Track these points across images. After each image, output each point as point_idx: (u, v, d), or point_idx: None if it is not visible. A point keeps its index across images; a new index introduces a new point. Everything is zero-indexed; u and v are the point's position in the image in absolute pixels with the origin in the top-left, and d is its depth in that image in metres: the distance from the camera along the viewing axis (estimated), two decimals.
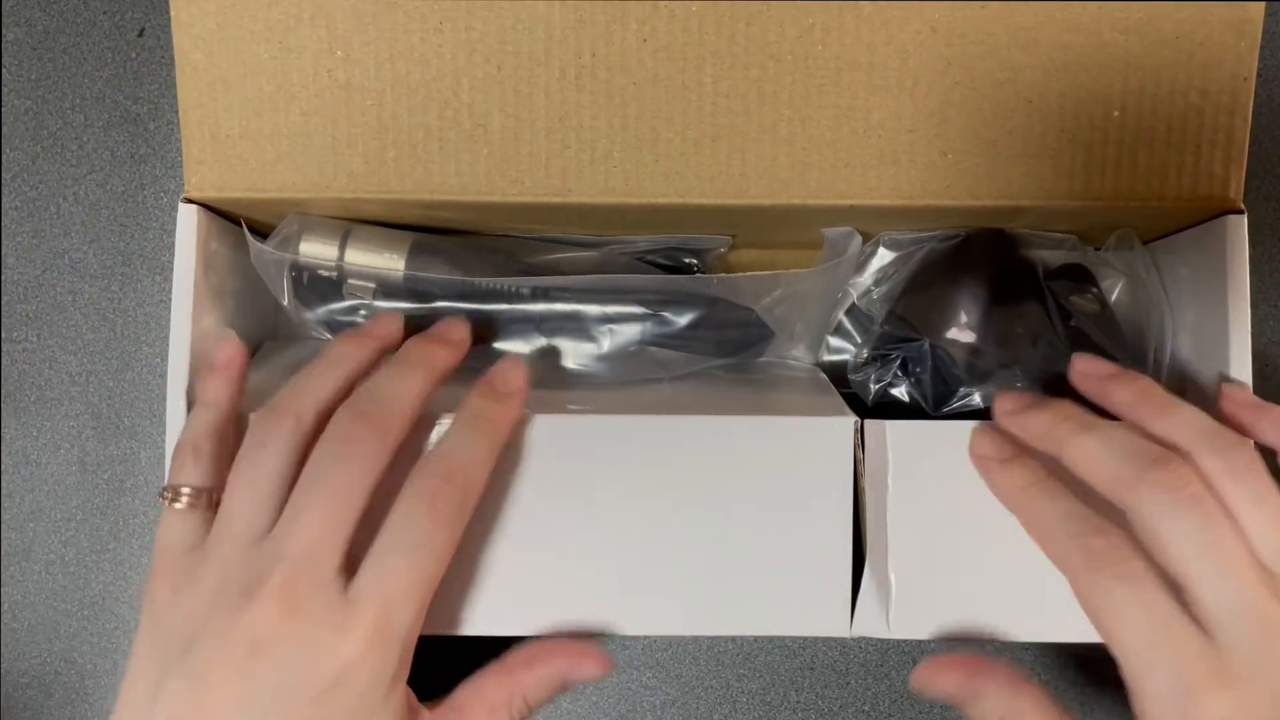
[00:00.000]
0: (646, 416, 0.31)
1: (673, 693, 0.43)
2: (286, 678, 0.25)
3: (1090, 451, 0.26)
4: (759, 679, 0.43)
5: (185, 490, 0.28)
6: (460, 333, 0.32)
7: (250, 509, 0.27)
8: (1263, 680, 0.22)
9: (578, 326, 0.37)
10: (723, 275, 0.36)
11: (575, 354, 0.37)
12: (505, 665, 0.29)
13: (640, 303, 0.36)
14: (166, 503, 0.28)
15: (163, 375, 0.44)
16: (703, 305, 0.36)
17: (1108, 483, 0.26)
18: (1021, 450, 0.29)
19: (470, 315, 0.36)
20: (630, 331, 0.37)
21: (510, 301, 0.36)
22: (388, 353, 0.31)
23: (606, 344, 0.37)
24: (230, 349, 0.30)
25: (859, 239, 0.36)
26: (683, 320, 0.37)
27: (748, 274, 0.36)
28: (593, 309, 0.36)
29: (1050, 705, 0.26)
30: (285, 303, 0.36)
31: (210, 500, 0.28)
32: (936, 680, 0.27)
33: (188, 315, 0.33)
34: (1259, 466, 0.25)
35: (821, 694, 0.43)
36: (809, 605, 0.30)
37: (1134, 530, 0.25)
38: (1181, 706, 0.22)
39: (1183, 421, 0.26)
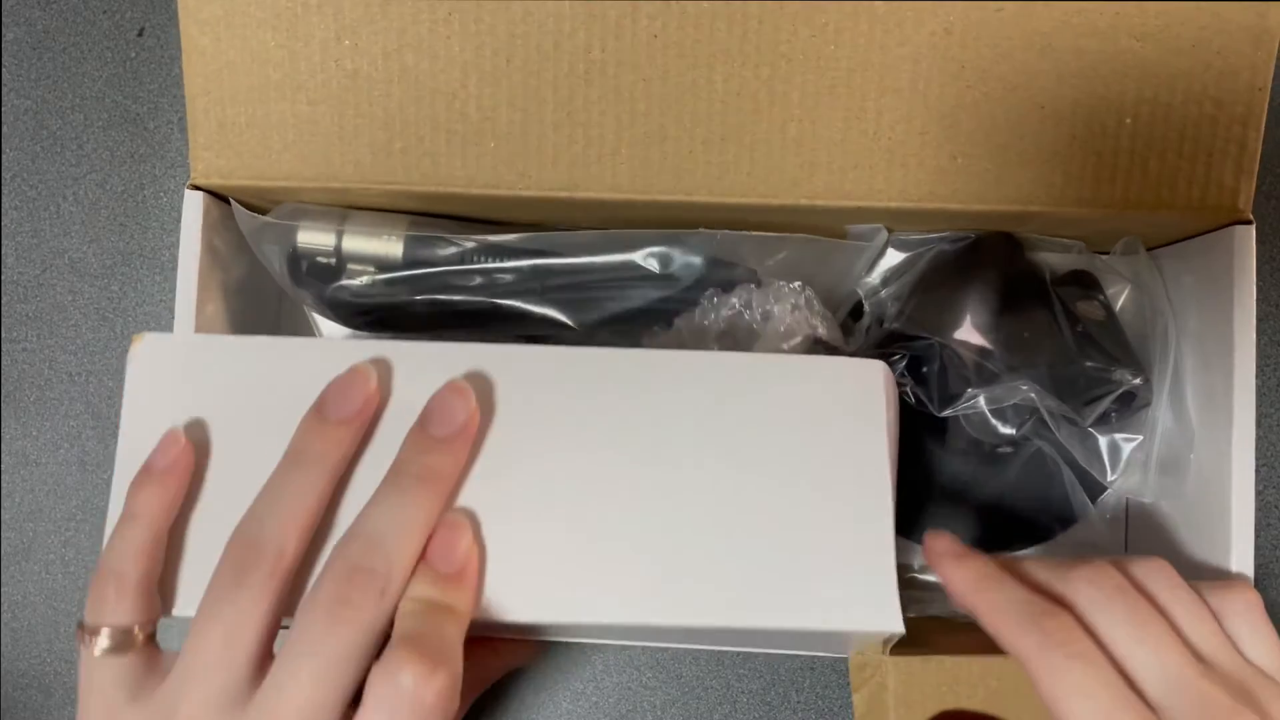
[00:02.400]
0: (646, 351, 0.27)
1: (673, 693, 0.43)
2: None
3: (1023, 566, 0.28)
4: (759, 679, 0.43)
5: (105, 630, 0.24)
6: (463, 418, 0.25)
7: (224, 665, 0.23)
8: None
9: (582, 296, 0.36)
10: (726, 231, 0.35)
11: (578, 318, 0.37)
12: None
13: (643, 260, 0.36)
14: (85, 645, 0.24)
15: None
16: (703, 267, 0.36)
17: (1045, 582, 0.27)
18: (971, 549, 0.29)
19: (472, 283, 0.36)
20: (633, 293, 0.36)
21: (515, 260, 0.36)
22: (371, 416, 0.26)
23: (610, 306, 0.36)
24: (174, 451, 0.25)
25: (885, 233, 0.36)
26: (685, 281, 0.36)
27: (753, 233, 0.35)
28: (596, 266, 0.36)
29: None
30: (277, 270, 0.35)
31: (144, 639, 0.24)
32: None
33: (192, 303, 0.33)
34: (1168, 570, 0.27)
35: (821, 694, 0.43)
36: (845, 585, 0.26)
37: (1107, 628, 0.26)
38: None
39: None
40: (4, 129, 0.45)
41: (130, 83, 0.45)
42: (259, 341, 0.27)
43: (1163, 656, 0.25)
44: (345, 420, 0.25)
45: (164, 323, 0.44)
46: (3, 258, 0.45)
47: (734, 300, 0.35)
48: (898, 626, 0.26)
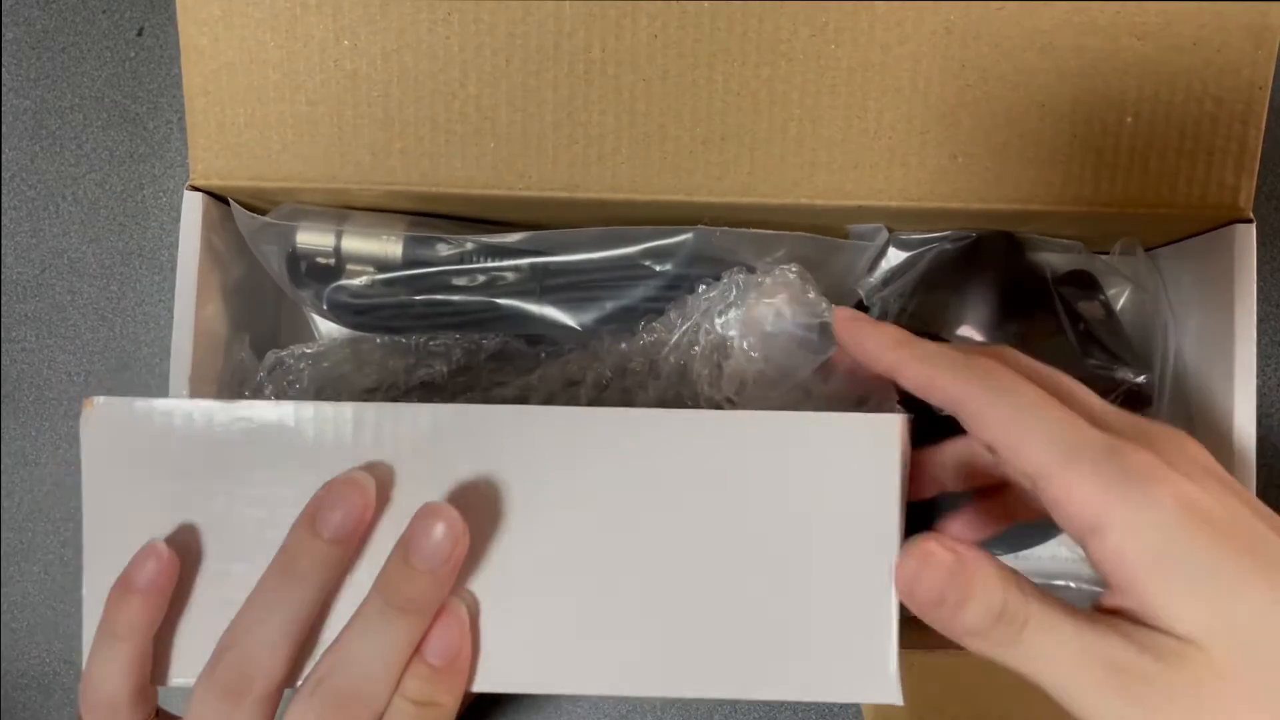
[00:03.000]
0: (650, 411, 0.25)
1: None
2: None
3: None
4: None
5: None
6: (446, 550, 0.24)
7: None
8: (1164, 444, 0.22)
9: (580, 295, 0.36)
10: (725, 229, 0.35)
11: (578, 318, 0.36)
12: None
13: (640, 256, 0.35)
14: None
15: (162, 375, 0.44)
16: (702, 264, 0.35)
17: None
18: None
19: (471, 283, 0.36)
20: (630, 291, 0.36)
21: (514, 259, 0.35)
22: (367, 529, 0.25)
23: (609, 305, 0.36)
24: (155, 565, 0.24)
25: (885, 233, 0.36)
26: (682, 273, 0.35)
27: (752, 230, 0.35)
28: (594, 264, 0.36)
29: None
30: (276, 270, 0.35)
31: None
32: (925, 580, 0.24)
33: (191, 304, 0.33)
34: None
35: None
36: (844, 652, 0.25)
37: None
38: (1122, 470, 0.21)
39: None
40: (4, 129, 0.45)
41: (130, 82, 0.45)
42: (219, 406, 0.25)
43: (1091, 395, 0.24)
44: (338, 539, 0.24)
45: (163, 323, 0.44)
46: (2, 258, 0.45)
47: (724, 280, 0.35)
48: (897, 700, 0.25)
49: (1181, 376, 0.37)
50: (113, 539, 0.25)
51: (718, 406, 0.35)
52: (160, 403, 0.25)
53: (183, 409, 0.25)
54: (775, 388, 0.34)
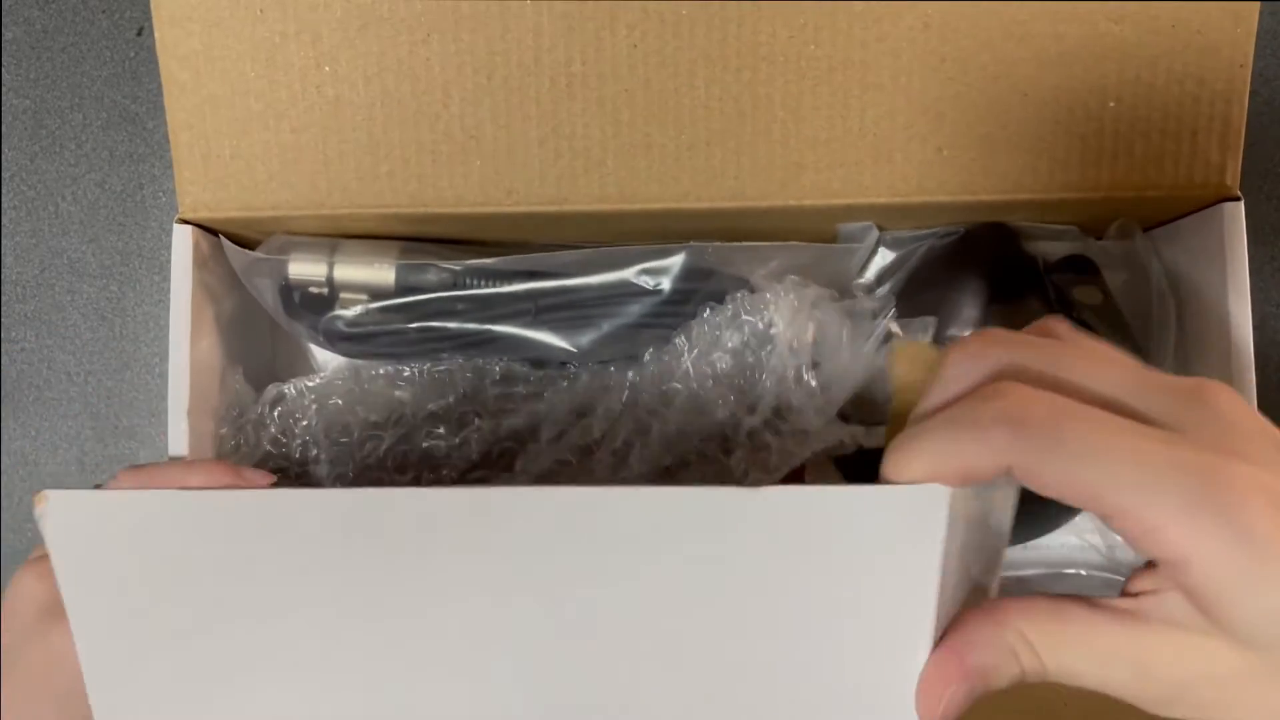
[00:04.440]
0: (670, 490, 0.23)
1: None
2: None
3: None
4: None
5: None
6: None
7: None
8: (1220, 425, 0.20)
9: (575, 315, 0.36)
10: (718, 244, 0.35)
11: (574, 340, 0.36)
12: None
13: (634, 275, 0.35)
14: None
15: (161, 375, 0.44)
16: (697, 279, 0.35)
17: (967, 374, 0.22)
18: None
19: (465, 309, 0.35)
20: (626, 309, 0.35)
21: (507, 284, 0.35)
22: None
23: (604, 325, 0.36)
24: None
25: (875, 232, 0.36)
26: (674, 289, 0.35)
27: (744, 244, 0.35)
28: (588, 285, 0.35)
29: (1049, 602, 0.22)
30: (270, 303, 0.35)
31: None
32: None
33: (186, 335, 0.33)
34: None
35: None
36: None
37: (1038, 369, 0.21)
38: (1210, 499, 0.19)
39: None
40: (4, 129, 0.45)
41: (129, 82, 0.45)
42: (173, 498, 0.23)
43: (1126, 369, 0.21)
44: None
45: (163, 322, 0.44)
46: (2, 258, 0.45)
47: (729, 309, 0.35)
48: None
49: (1183, 358, 0.37)
50: (104, 634, 0.23)
51: (756, 432, 0.35)
52: (113, 496, 0.23)
53: (128, 501, 0.23)
54: (821, 410, 0.34)
